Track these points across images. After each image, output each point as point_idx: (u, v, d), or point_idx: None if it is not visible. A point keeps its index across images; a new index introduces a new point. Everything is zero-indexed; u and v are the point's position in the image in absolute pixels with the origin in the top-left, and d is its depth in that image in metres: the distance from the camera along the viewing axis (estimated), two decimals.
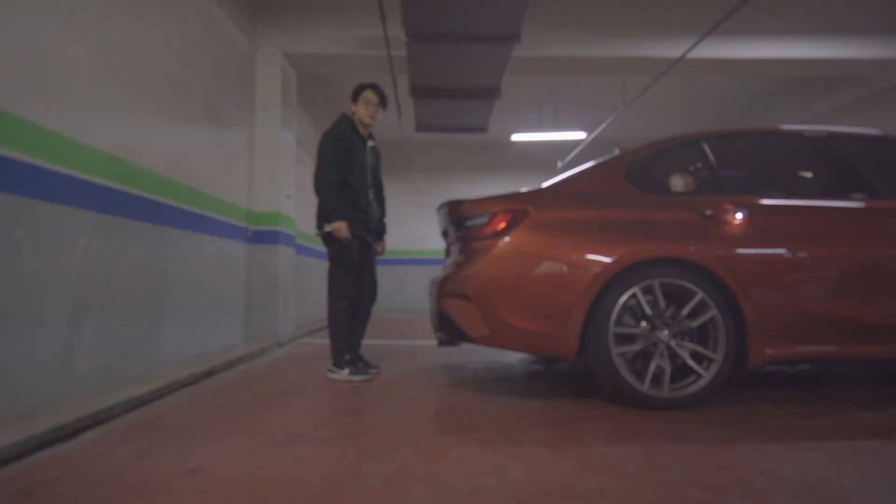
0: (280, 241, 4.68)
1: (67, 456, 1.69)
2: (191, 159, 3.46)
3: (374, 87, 3.07)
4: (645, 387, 2.17)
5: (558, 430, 1.92)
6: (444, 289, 2.48)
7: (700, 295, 2.20)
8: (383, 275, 4.19)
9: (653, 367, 2.19)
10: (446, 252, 2.97)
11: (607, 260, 2.21)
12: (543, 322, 2.24)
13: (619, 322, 2.21)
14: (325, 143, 2.93)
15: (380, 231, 3.25)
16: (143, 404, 2.36)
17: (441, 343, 2.75)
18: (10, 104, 1.99)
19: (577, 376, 3.05)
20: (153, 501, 1.32)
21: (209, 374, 3.07)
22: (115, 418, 2.13)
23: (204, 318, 3.59)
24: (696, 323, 2.21)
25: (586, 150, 8.73)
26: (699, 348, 2.21)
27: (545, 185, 2.56)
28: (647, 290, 2.23)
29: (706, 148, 2.51)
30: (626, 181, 2.43)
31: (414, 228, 9.59)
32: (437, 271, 2.87)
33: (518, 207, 2.37)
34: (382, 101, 3.07)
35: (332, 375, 2.97)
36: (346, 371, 2.93)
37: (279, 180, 4.76)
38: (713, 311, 2.20)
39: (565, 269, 2.25)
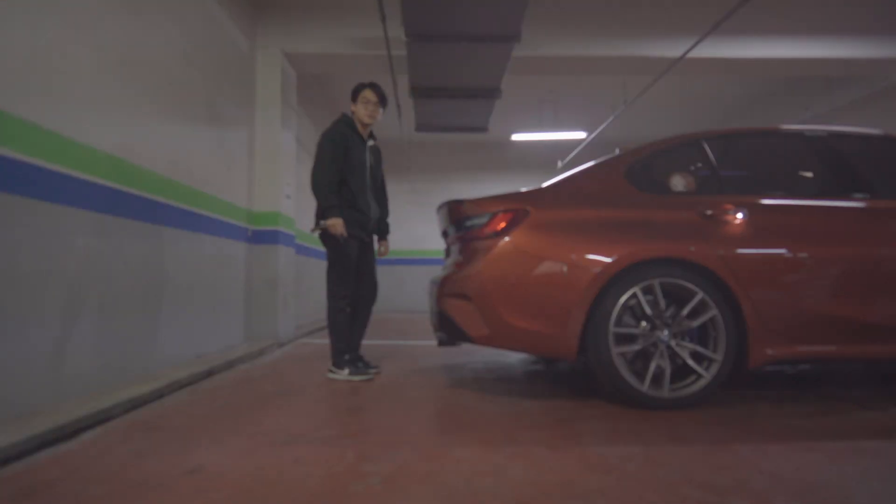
0: (280, 241, 4.68)
1: (67, 456, 1.69)
2: (191, 159, 3.46)
3: (373, 87, 3.06)
4: (645, 387, 2.17)
5: (558, 430, 1.92)
6: (444, 289, 2.48)
7: (700, 295, 2.20)
8: (383, 275, 4.19)
9: (653, 367, 2.18)
10: (446, 252, 2.97)
11: (607, 260, 2.21)
12: (543, 322, 2.24)
13: (619, 322, 2.21)
14: (324, 142, 2.93)
15: (382, 230, 3.24)
16: (143, 404, 2.36)
17: (441, 343, 2.75)
18: (10, 104, 1.99)
19: (577, 376, 3.05)
20: (153, 501, 1.32)
21: (209, 374, 3.06)
22: (115, 418, 2.13)
23: (204, 318, 3.59)
24: (696, 323, 2.21)
25: (586, 150, 8.72)
26: (699, 348, 2.21)
27: (545, 184, 2.56)
28: (648, 290, 2.23)
29: (706, 148, 2.51)
30: (626, 181, 2.43)
31: (414, 228, 9.59)
32: (437, 271, 2.87)
33: (518, 207, 2.37)
34: (381, 101, 3.07)
35: (331, 375, 2.97)
36: (345, 371, 2.93)
37: (279, 180, 4.76)
38: (713, 311, 2.19)
39: (565, 269, 2.25)
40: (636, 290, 2.21)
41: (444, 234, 2.89)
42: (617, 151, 2.67)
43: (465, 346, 3.54)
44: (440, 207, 2.79)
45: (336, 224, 2.84)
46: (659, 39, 4.84)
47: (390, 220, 3.31)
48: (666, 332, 2.22)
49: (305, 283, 6.13)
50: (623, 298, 2.20)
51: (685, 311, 2.21)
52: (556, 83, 6.93)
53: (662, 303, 2.22)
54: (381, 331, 5.79)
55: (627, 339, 2.24)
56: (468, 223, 2.50)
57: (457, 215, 2.58)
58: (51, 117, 2.19)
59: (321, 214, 2.89)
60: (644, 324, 2.25)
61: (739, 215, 2.30)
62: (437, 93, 5.12)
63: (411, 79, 4.91)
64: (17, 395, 1.98)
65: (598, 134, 7.64)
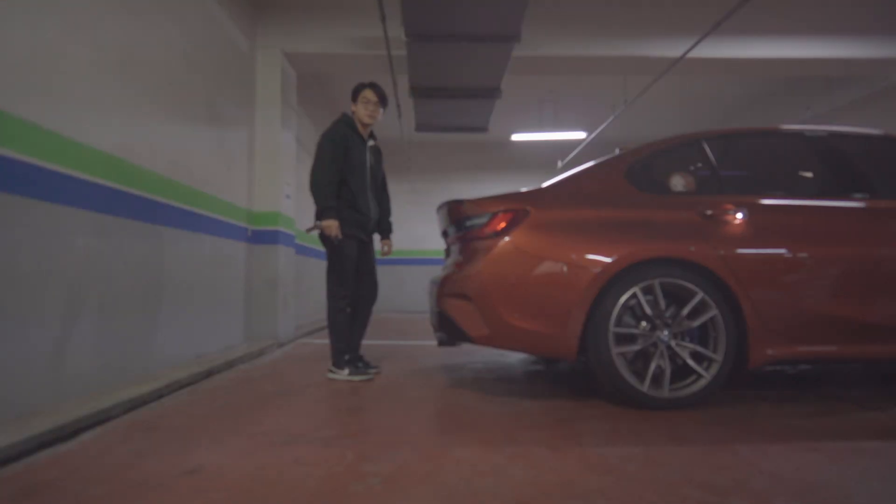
0: (280, 241, 4.68)
1: (67, 456, 1.69)
2: (191, 159, 3.46)
3: (373, 86, 3.06)
4: (645, 387, 2.16)
5: (558, 431, 1.91)
6: (444, 289, 2.48)
7: (700, 295, 2.20)
8: (383, 275, 4.19)
9: (653, 367, 2.18)
10: (446, 252, 2.97)
11: (607, 260, 2.21)
12: (543, 322, 2.24)
13: (619, 322, 2.21)
14: (324, 142, 2.92)
15: (385, 230, 3.24)
16: (143, 404, 2.36)
17: (441, 343, 2.75)
18: (10, 104, 1.99)
19: (577, 376, 3.05)
20: (153, 501, 1.32)
21: (209, 374, 3.06)
22: (115, 418, 2.13)
23: (204, 318, 3.59)
24: (696, 323, 2.21)
25: (586, 150, 8.72)
26: (699, 348, 2.21)
27: (545, 184, 2.56)
28: (648, 290, 2.23)
29: (706, 148, 2.51)
30: (626, 181, 2.43)
31: (414, 228, 9.58)
32: (437, 271, 2.87)
33: (518, 207, 2.37)
34: (382, 101, 3.06)
35: (331, 376, 2.97)
36: (345, 371, 2.93)
37: (279, 180, 4.76)
38: (713, 311, 2.19)
39: (565, 269, 2.25)
40: (636, 290, 2.21)
41: (444, 234, 2.89)
42: (617, 151, 2.67)
43: (465, 346, 3.54)
44: (440, 207, 2.79)
45: (331, 226, 2.84)
46: (659, 39, 4.83)
47: (391, 219, 3.31)
48: (666, 332, 2.22)
49: (305, 283, 6.13)
50: (623, 298, 2.20)
51: (685, 311, 2.21)
52: (556, 83, 6.93)
53: (662, 303, 2.22)
54: (381, 331, 5.79)
55: (627, 339, 2.24)
56: (468, 223, 2.50)
57: (457, 215, 2.58)
58: (51, 117, 2.19)
59: (318, 215, 2.89)
60: (644, 324, 2.25)
61: (739, 215, 2.30)
62: (437, 93, 5.12)
63: (411, 79, 4.91)
64: (16, 395, 1.98)
65: (598, 134, 7.64)
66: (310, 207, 3.05)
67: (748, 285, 2.20)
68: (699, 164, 2.52)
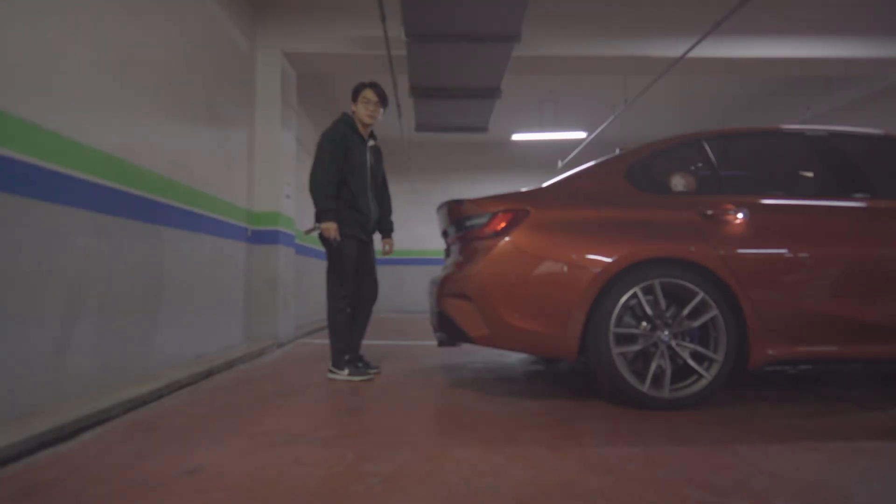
0: (280, 241, 4.68)
1: (67, 456, 1.69)
2: (191, 159, 3.46)
3: (374, 86, 3.06)
4: (645, 387, 2.16)
5: (558, 431, 1.91)
6: (444, 289, 2.48)
7: (701, 295, 2.20)
8: (383, 275, 4.18)
9: (653, 367, 2.18)
10: (446, 252, 2.96)
11: (608, 260, 2.21)
12: (543, 322, 2.24)
13: (619, 322, 2.21)
14: (324, 142, 2.92)
15: (386, 229, 3.24)
16: (143, 404, 2.36)
17: (441, 343, 2.75)
18: (10, 104, 1.99)
19: (577, 376, 3.05)
20: (153, 501, 1.32)
21: (209, 374, 3.06)
22: (115, 418, 2.13)
23: (204, 318, 3.59)
24: (696, 323, 2.21)
25: (586, 150, 8.72)
26: (700, 348, 2.21)
27: (545, 184, 2.56)
28: (648, 290, 2.23)
29: (707, 148, 2.51)
30: (626, 181, 2.43)
31: (414, 228, 9.57)
32: (437, 271, 2.87)
33: (518, 207, 2.37)
34: (382, 100, 3.06)
35: (331, 376, 2.97)
36: (345, 371, 2.93)
37: (279, 180, 4.76)
38: (714, 312, 2.19)
39: (565, 269, 2.25)
40: (636, 290, 2.21)
41: (444, 234, 2.89)
42: (617, 151, 2.67)
43: (465, 346, 3.54)
44: (440, 207, 2.79)
45: (329, 228, 2.84)
46: (659, 39, 4.83)
47: (392, 218, 3.31)
48: (666, 333, 2.22)
49: (305, 283, 6.13)
50: (623, 298, 2.20)
51: (686, 312, 2.21)
52: (556, 83, 6.93)
53: (663, 303, 2.22)
54: (381, 331, 5.79)
55: (628, 339, 2.24)
56: (468, 223, 2.50)
57: (457, 215, 2.58)
58: (51, 117, 2.19)
59: (317, 216, 2.89)
60: (644, 324, 2.25)
61: (740, 215, 2.30)
62: (437, 93, 5.12)
63: (411, 79, 4.91)
64: (17, 395, 1.98)
65: (598, 134, 7.64)
66: (310, 207, 3.05)
67: (748, 285, 2.20)
68: (699, 164, 2.52)
